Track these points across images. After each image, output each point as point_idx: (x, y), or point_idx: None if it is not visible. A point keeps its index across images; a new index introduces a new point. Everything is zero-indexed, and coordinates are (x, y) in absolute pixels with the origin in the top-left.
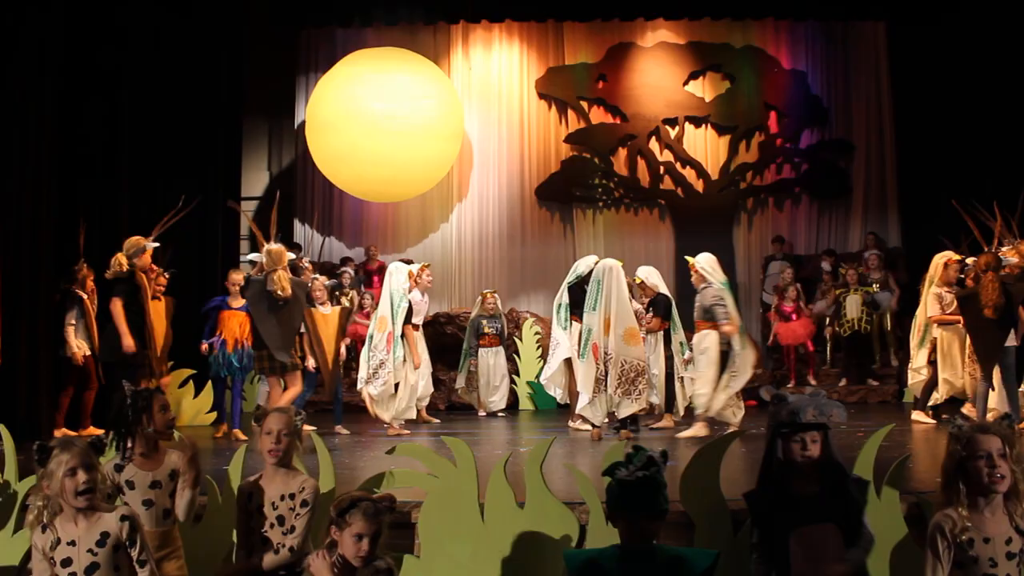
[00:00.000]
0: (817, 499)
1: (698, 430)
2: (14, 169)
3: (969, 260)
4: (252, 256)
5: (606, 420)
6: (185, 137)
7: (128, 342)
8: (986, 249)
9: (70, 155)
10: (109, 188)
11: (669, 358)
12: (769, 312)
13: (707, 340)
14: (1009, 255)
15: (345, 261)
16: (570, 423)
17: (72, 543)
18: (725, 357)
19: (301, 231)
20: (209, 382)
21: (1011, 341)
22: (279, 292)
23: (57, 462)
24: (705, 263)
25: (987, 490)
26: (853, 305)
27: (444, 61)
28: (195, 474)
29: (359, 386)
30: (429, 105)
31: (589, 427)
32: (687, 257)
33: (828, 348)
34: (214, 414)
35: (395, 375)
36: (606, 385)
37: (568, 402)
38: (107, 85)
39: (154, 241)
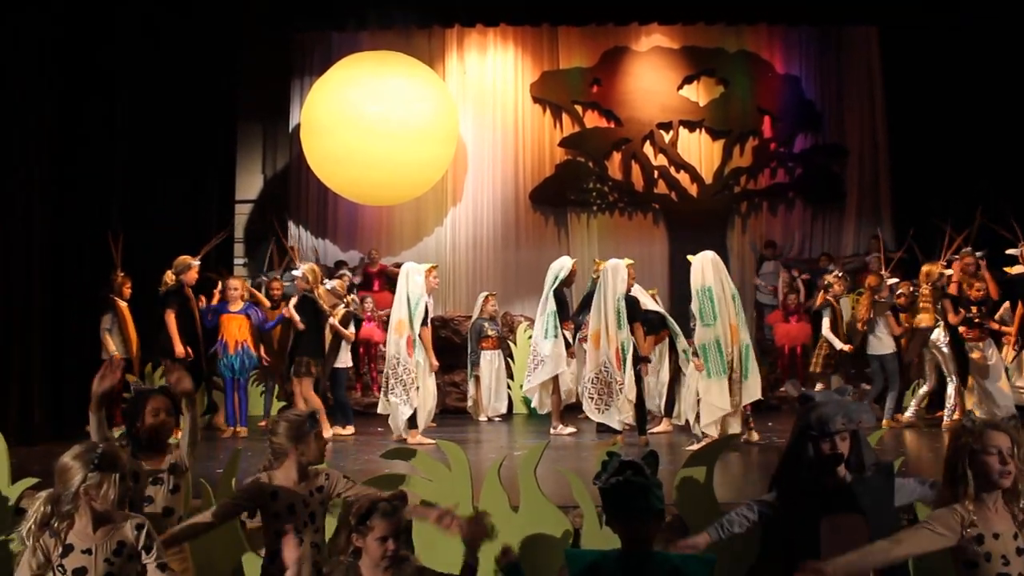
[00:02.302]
0: (846, 488)
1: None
2: (13, 171)
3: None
4: (296, 272)
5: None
6: (180, 140)
7: (179, 349)
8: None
9: (66, 157)
10: (105, 190)
11: (674, 362)
12: (775, 311)
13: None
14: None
15: (340, 265)
16: (552, 430)
17: (88, 551)
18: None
19: (295, 234)
20: (202, 384)
21: (889, 348)
22: (324, 307)
23: (80, 465)
24: (696, 264)
25: (993, 485)
26: (846, 308)
27: (439, 65)
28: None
29: (397, 403)
30: (424, 108)
31: (569, 432)
32: (688, 256)
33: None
34: (206, 417)
35: (416, 380)
36: (612, 391)
37: (550, 410)
38: (103, 88)
39: (199, 259)
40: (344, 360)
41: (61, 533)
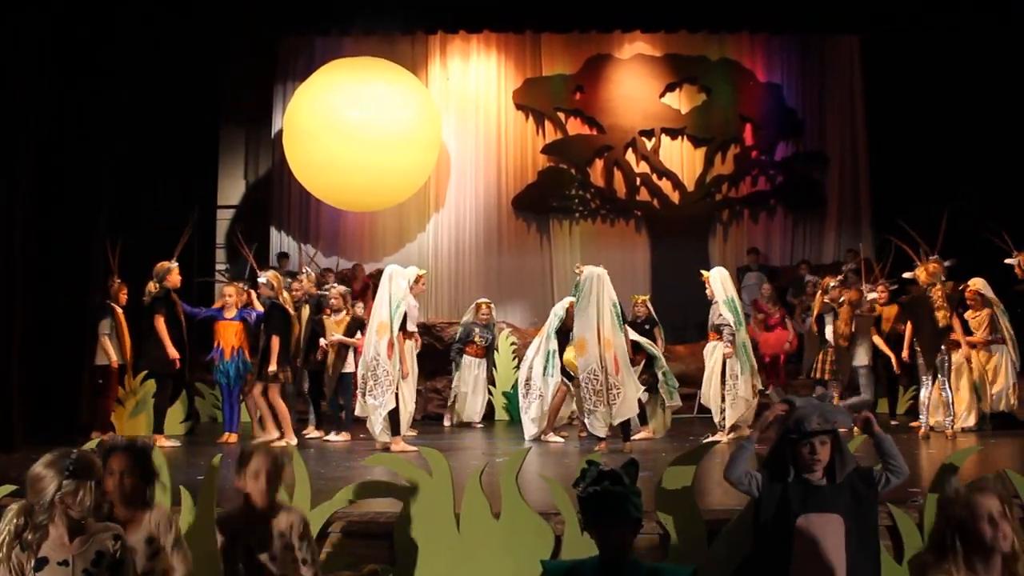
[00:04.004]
0: (828, 487)
1: (718, 436)
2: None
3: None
4: (260, 279)
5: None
6: (162, 145)
7: (173, 354)
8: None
9: (44, 168)
10: (85, 198)
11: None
12: (750, 322)
13: (714, 351)
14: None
15: (323, 272)
16: (543, 436)
17: (64, 563)
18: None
19: (277, 240)
20: (184, 391)
21: (864, 361)
22: (291, 312)
23: (53, 473)
24: (716, 278)
25: (991, 552)
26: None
27: (422, 71)
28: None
29: (375, 405)
30: (406, 115)
31: (560, 439)
32: (702, 271)
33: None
34: (188, 423)
35: (394, 383)
36: (607, 396)
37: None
38: (85, 94)
39: (175, 261)
40: (351, 365)
41: (34, 545)
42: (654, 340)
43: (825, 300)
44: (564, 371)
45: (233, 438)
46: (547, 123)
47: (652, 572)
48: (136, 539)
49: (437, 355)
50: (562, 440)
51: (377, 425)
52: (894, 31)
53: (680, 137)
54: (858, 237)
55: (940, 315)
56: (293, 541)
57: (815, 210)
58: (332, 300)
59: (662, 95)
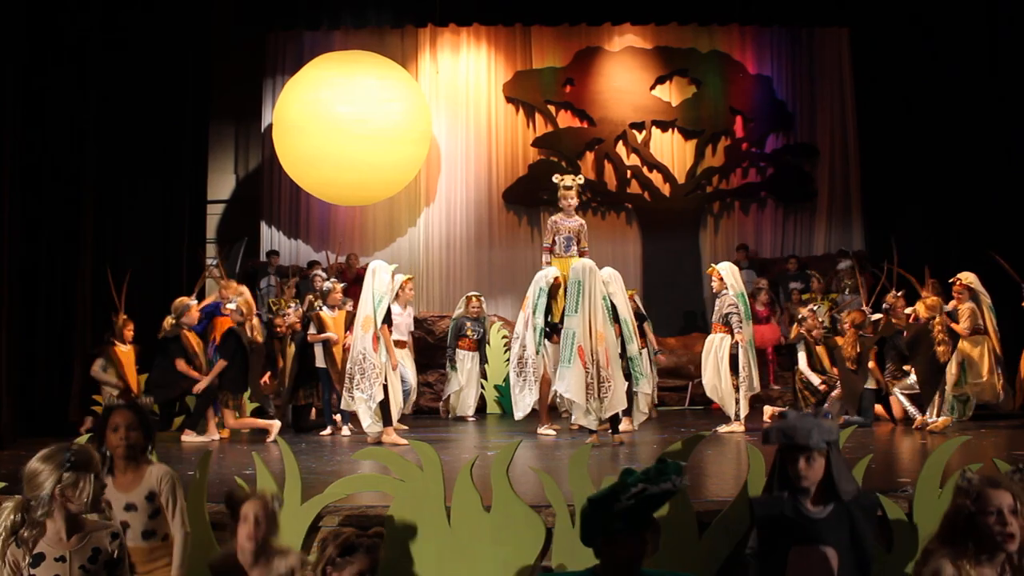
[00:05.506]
0: (823, 520)
1: (735, 427)
2: None
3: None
4: (230, 305)
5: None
6: (151, 140)
7: (202, 384)
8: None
9: (32, 160)
10: (73, 192)
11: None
12: None
13: (722, 343)
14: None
15: (312, 264)
16: (539, 430)
17: (61, 559)
18: (735, 360)
19: (268, 234)
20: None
21: (871, 384)
22: (258, 338)
23: (52, 467)
24: (727, 271)
25: (995, 547)
26: (819, 314)
27: (412, 64)
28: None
29: (363, 397)
30: (396, 108)
31: (552, 432)
32: (712, 264)
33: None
34: (179, 419)
35: (381, 376)
36: (597, 390)
37: (537, 408)
38: (72, 88)
39: (195, 298)
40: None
41: (30, 542)
42: (643, 335)
43: (802, 331)
44: (550, 331)
45: (225, 433)
46: (537, 116)
47: None
48: (137, 496)
49: (429, 349)
50: (554, 433)
51: (366, 418)
52: (883, 23)
53: (670, 129)
54: (848, 229)
55: (941, 350)
56: None
57: (806, 202)
58: (335, 295)
59: (652, 87)
